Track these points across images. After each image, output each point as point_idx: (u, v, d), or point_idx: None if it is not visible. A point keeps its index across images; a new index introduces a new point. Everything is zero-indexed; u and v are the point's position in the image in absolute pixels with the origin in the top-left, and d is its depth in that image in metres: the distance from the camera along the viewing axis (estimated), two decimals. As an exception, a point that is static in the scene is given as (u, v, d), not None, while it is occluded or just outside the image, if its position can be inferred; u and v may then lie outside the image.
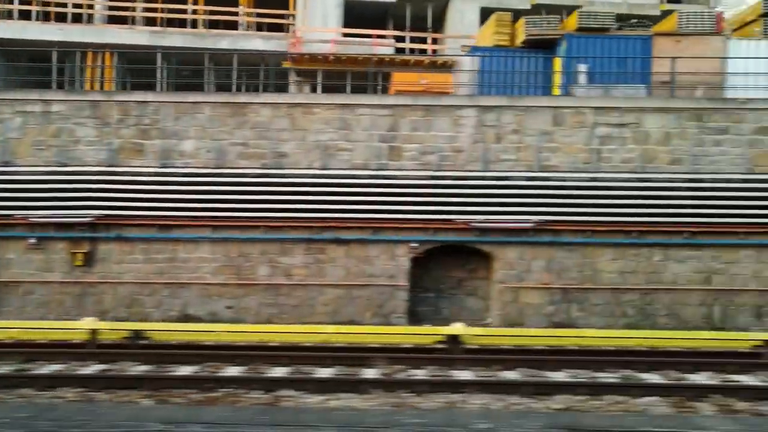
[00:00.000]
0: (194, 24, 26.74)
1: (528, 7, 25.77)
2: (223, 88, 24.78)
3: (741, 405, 8.30)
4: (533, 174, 15.48)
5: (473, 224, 15.22)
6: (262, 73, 25.67)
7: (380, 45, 25.43)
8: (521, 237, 15.42)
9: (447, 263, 16.23)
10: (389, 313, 15.49)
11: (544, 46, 18.62)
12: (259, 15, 27.31)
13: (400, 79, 19.22)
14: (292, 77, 24.63)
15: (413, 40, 26.62)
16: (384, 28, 27.30)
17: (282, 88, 24.50)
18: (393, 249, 15.55)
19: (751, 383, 9.63)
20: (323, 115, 15.58)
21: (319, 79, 23.86)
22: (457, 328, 10.99)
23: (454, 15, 26.30)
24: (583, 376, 9.68)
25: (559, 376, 9.76)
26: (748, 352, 11.14)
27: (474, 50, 18.98)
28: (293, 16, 27.65)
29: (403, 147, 15.61)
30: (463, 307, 16.40)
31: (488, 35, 19.90)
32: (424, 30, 26.78)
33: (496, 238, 15.48)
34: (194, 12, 26.60)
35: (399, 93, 17.74)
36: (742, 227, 15.32)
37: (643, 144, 15.55)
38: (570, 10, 22.38)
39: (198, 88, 23.41)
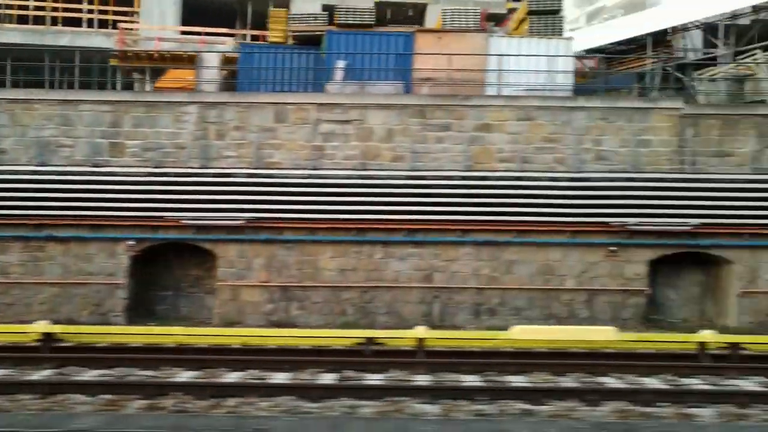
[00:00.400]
0: (39, 20, 26.58)
1: (371, 6, 25.69)
2: (70, 85, 24.78)
3: (200, 404, 8.21)
4: (254, 171, 15.30)
5: (184, 221, 15.05)
6: (109, 71, 25.57)
7: (220, 43, 25.33)
8: (239, 235, 15.24)
9: (186, 261, 16.08)
10: (108, 311, 15.28)
11: (314, 43, 18.50)
12: (101, 12, 27.22)
13: (174, 75, 19.02)
14: (136, 75, 24.53)
15: (254, 38, 26.57)
16: (233, 26, 27.27)
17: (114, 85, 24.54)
18: (113, 247, 15.34)
19: (276, 381, 9.58)
20: (44, 111, 15.37)
21: (148, 77, 23.74)
22: (42, 325, 10.82)
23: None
24: (155, 375, 9.66)
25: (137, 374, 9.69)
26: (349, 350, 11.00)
27: (243, 47, 18.83)
28: (137, 13, 27.60)
29: (126, 143, 15.42)
30: (202, 305, 16.23)
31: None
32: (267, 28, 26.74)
33: (214, 236, 15.30)
34: (37, 8, 26.50)
35: (157, 89, 17.55)
36: (461, 225, 15.18)
37: (366, 141, 15.39)
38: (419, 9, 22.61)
39: (39, 85, 23.24)
